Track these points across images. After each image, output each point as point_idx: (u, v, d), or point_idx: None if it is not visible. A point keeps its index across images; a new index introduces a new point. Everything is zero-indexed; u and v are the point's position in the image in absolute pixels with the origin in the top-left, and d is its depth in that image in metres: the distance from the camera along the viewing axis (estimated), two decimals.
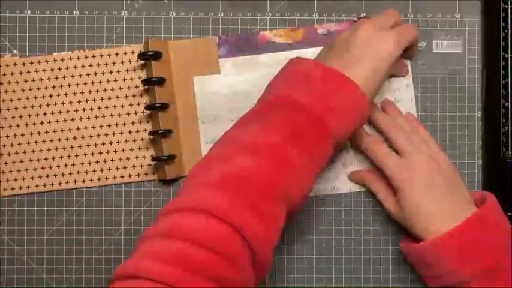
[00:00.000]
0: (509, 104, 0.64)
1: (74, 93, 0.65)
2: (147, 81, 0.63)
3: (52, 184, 0.64)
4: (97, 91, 0.65)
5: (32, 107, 0.65)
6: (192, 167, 0.52)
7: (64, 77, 0.65)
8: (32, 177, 0.64)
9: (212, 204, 0.47)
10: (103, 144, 0.64)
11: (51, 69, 0.65)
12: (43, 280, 0.64)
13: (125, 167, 0.64)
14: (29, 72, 0.65)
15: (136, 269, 0.45)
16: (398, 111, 0.64)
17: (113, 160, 0.64)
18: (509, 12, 0.64)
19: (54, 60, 0.65)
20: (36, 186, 0.64)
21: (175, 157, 0.63)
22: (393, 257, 0.64)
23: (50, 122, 0.64)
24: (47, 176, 0.64)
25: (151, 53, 0.62)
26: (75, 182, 0.64)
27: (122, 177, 0.64)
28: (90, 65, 0.65)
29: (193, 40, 0.65)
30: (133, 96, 0.65)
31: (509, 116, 0.64)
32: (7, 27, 0.65)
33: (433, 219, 0.57)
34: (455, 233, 0.56)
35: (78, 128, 0.64)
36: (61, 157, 0.64)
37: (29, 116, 0.65)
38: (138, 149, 0.64)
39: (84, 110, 0.65)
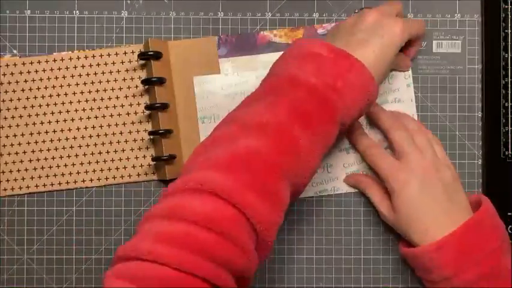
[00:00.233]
0: (509, 104, 0.64)
1: (74, 93, 0.65)
2: (147, 81, 0.63)
3: (52, 184, 0.64)
4: (97, 91, 0.65)
5: (32, 107, 0.65)
6: (196, 147, 0.52)
7: (64, 77, 0.65)
8: (32, 177, 0.64)
9: (217, 185, 0.47)
10: (103, 144, 0.64)
11: (51, 69, 0.65)
12: (43, 280, 0.64)
13: (124, 167, 0.64)
14: (29, 72, 0.65)
15: (138, 251, 0.44)
16: (404, 113, 0.64)
17: (112, 160, 0.64)
18: (509, 12, 0.64)
19: (54, 60, 0.65)
20: (36, 186, 0.64)
21: (175, 157, 0.63)
22: (393, 257, 0.64)
23: (50, 122, 0.64)
24: (47, 176, 0.64)
25: (151, 53, 0.62)
26: (75, 182, 0.64)
27: (122, 177, 0.64)
28: (90, 65, 0.65)
29: (193, 40, 0.65)
30: (133, 96, 0.65)
31: (509, 116, 0.64)
32: (7, 27, 0.65)
33: (428, 224, 0.57)
34: (451, 239, 0.55)
35: (78, 128, 0.64)
36: (61, 157, 0.64)
37: (29, 116, 0.65)
38: (138, 149, 0.65)
39: (84, 110, 0.65)
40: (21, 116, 0.65)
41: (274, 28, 0.65)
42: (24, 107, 0.65)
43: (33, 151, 0.64)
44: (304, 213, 0.65)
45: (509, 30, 0.64)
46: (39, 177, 0.64)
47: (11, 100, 0.65)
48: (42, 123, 0.64)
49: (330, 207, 0.65)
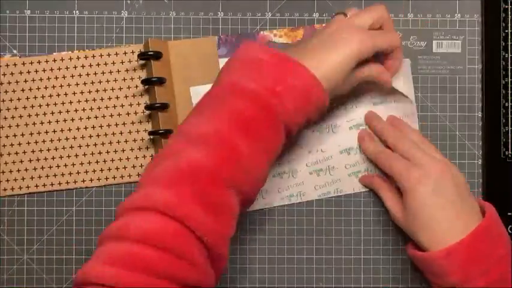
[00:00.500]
0: (509, 104, 0.64)
1: (74, 93, 0.65)
2: (147, 81, 0.63)
3: (52, 184, 0.64)
4: (97, 91, 0.65)
5: (32, 107, 0.65)
6: (148, 162, 0.53)
7: (64, 77, 0.65)
8: (32, 177, 0.64)
9: (158, 201, 0.47)
10: (103, 144, 0.64)
11: (51, 69, 0.65)
12: (43, 280, 0.64)
13: (124, 167, 0.64)
14: (29, 72, 0.65)
15: (89, 275, 0.46)
16: (406, 124, 0.63)
17: (112, 160, 0.64)
18: (509, 12, 0.64)
19: (54, 60, 0.65)
20: (36, 186, 0.64)
21: None
22: (393, 257, 0.64)
23: (50, 122, 0.64)
24: (47, 176, 0.64)
25: (151, 53, 0.62)
26: (75, 182, 0.64)
27: (121, 177, 0.64)
28: (90, 65, 0.65)
29: (193, 40, 0.65)
30: (133, 96, 0.65)
31: (509, 116, 0.64)
32: (7, 27, 0.65)
33: (439, 227, 0.56)
34: (460, 246, 0.55)
35: (78, 128, 0.64)
36: (61, 157, 0.64)
37: (29, 116, 0.65)
38: (138, 149, 0.64)
39: (84, 110, 0.65)
40: (21, 116, 0.65)
41: (274, 28, 0.65)
42: (24, 107, 0.65)
43: (33, 151, 0.64)
44: (304, 213, 0.65)
45: (509, 30, 0.64)
46: (39, 177, 0.64)
47: (11, 100, 0.65)
48: (42, 123, 0.64)
49: (330, 207, 0.65)
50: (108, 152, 0.64)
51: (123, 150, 0.64)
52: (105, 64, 0.65)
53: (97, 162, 0.64)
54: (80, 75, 0.65)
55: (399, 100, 0.64)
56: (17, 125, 0.65)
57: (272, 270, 0.64)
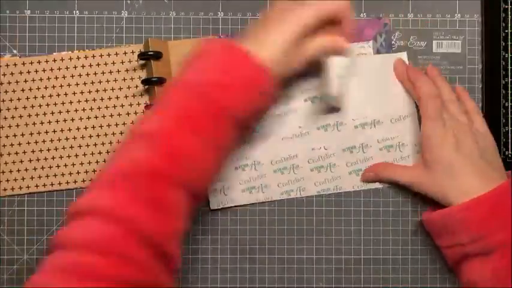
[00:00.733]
0: (509, 104, 0.64)
1: (74, 93, 0.65)
2: (147, 81, 0.63)
3: (52, 184, 0.64)
4: (97, 91, 0.65)
5: (32, 107, 0.65)
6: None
7: (64, 77, 0.65)
8: (32, 177, 0.64)
9: (99, 204, 0.47)
10: (103, 144, 0.64)
11: (51, 69, 0.65)
12: None
13: None
14: (29, 72, 0.65)
15: (38, 285, 0.45)
16: (443, 80, 0.63)
17: None
18: (509, 12, 0.64)
19: (54, 60, 0.65)
20: (36, 186, 0.64)
21: None
22: (393, 257, 0.64)
23: (50, 122, 0.64)
24: (47, 176, 0.64)
25: (151, 53, 0.62)
26: (75, 182, 0.64)
27: None
28: (90, 65, 0.65)
29: (193, 40, 0.65)
30: (133, 96, 0.65)
31: (509, 116, 0.64)
32: (7, 27, 0.65)
33: (462, 182, 0.57)
34: (483, 199, 0.55)
35: (78, 128, 0.64)
36: (61, 157, 0.64)
37: (29, 116, 0.65)
38: None
39: (84, 110, 0.65)
40: (21, 116, 0.65)
41: None
42: (24, 107, 0.65)
43: (33, 151, 0.64)
44: (304, 213, 0.65)
45: (509, 30, 0.64)
46: (39, 177, 0.64)
47: (11, 100, 0.65)
48: (42, 123, 0.64)
49: (330, 207, 0.65)
50: (108, 152, 0.64)
51: None
52: (105, 64, 0.65)
53: (97, 162, 0.64)
54: (80, 75, 0.65)
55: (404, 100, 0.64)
56: (17, 125, 0.65)
57: (272, 270, 0.64)
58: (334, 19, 0.56)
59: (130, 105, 0.65)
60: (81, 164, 0.64)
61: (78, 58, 0.65)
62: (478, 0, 0.66)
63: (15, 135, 0.64)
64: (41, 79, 0.65)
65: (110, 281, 0.45)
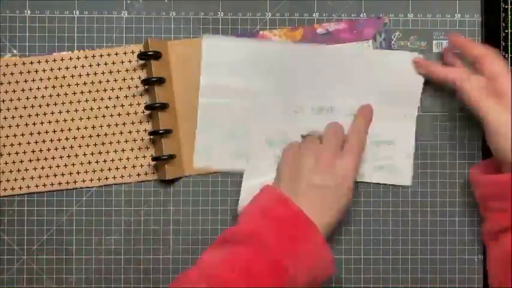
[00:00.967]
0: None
1: (74, 93, 0.65)
2: (147, 81, 0.63)
3: (52, 184, 0.64)
4: (97, 91, 0.65)
5: (32, 107, 0.65)
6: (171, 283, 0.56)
7: (64, 77, 0.65)
8: (32, 177, 0.64)
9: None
10: (103, 144, 0.64)
11: (51, 69, 0.65)
12: (43, 280, 0.64)
13: (124, 167, 0.64)
14: (29, 72, 0.65)
15: None
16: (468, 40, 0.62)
17: (112, 160, 0.64)
18: (509, 12, 0.64)
19: (54, 60, 0.65)
20: (36, 186, 0.64)
21: (175, 157, 0.63)
22: (393, 257, 0.64)
23: (50, 122, 0.64)
24: (47, 176, 0.64)
25: (151, 53, 0.62)
26: (75, 182, 0.64)
27: (122, 177, 0.64)
28: (90, 65, 0.65)
29: (193, 40, 0.65)
30: (133, 96, 0.65)
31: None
32: (7, 27, 0.65)
33: None
34: None
35: (78, 128, 0.64)
36: (61, 157, 0.64)
37: (29, 116, 0.65)
38: (138, 149, 0.64)
39: (84, 110, 0.65)
40: (21, 116, 0.65)
41: (274, 28, 0.65)
42: (24, 107, 0.65)
43: (33, 151, 0.64)
44: None
45: (509, 30, 0.64)
46: (39, 177, 0.64)
47: (11, 100, 0.65)
48: (42, 123, 0.64)
49: None
50: (108, 152, 0.64)
51: (123, 150, 0.64)
52: (105, 64, 0.65)
53: (97, 162, 0.64)
54: (80, 75, 0.65)
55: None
56: (17, 125, 0.65)
57: None
58: None
59: (130, 105, 0.65)
60: (81, 164, 0.64)
61: (78, 58, 0.65)
62: (478, 0, 0.66)
63: (15, 135, 0.64)
64: (41, 79, 0.65)
65: None
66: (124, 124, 0.65)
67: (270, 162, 0.63)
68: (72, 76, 0.65)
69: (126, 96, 0.65)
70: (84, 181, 0.64)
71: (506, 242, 0.56)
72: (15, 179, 0.64)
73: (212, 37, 0.64)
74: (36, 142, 0.64)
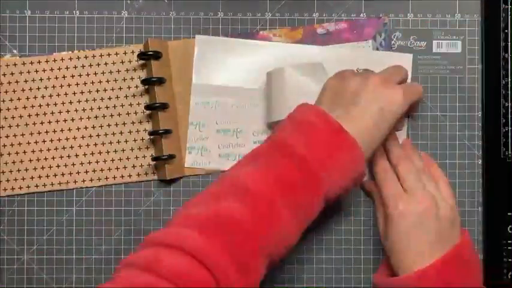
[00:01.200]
0: (509, 104, 0.64)
1: (74, 93, 0.65)
2: (147, 81, 0.63)
3: (52, 184, 0.64)
4: (97, 91, 0.65)
5: (32, 107, 0.65)
6: (186, 201, 0.53)
7: (64, 77, 0.65)
8: (32, 177, 0.64)
9: (190, 244, 0.47)
10: (103, 144, 0.64)
11: (51, 69, 0.65)
12: (43, 280, 0.64)
13: (124, 167, 0.64)
14: (29, 72, 0.65)
15: None
16: (413, 148, 0.63)
17: (112, 160, 0.64)
18: (509, 12, 0.64)
19: (54, 60, 0.65)
20: (36, 186, 0.64)
21: (175, 157, 0.63)
22: None
23: (50, 122, 0.64)
24: (47, 176, 0.64)
25: (151, 53, 0.62)
26: (75, 182, 0.64)
27: (122, 177, 0.64)
28: (90, 65, 0.65)
29: (193, 40, 0.65)
30: (133, 96, 0.65)
31: (509, 116, 0.64)
32: (7, 27, 0.65)
33: (412, 259, 0.56)
34: (430, 269, 0.55)
35: (78, 128, 0.64)
36: (61, 157, 0.64)
37: (29, 116, 0.65)
38: (138, 149, 0.64)
39: (84, 110, 0.65)
40: (21, 116, 0.65)
41: (274, 28, 0.65)
42: (24, 107, 0.65)
43: (33, 151, 0.64)
44: None
45: (509, 30, 0.64)
46: (39, 177, 0.64)
47: (11, 100, 0.65)
48: (42, 123, 0.64)
49: (329, 207, 0.64)
50: (108, 152, 0.64)
51: (123, 150, 0.64)
52: (105, 64, 0.65)
53: (97, 162, 0.64)
54: (80, 75, 0.65)
55: None
56: (17, 125, 0.65)
57: (272, 270, 0.64)
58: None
59: (131, 105, 0.65)
60: (81, 164, 0.64)
61: (78, 58, 0.65)
62: (478, 0, 0.66)
63: (15, 135, 0.64)
64: (41, 79, 0.65)
65: None
66: (124, 124, 0.65)
67: None
68: (72, 76, 0.65)
69: (126, 96, 0.65)
70: (84, 181, 0.64)
71: None
72: (15, 179, 0.64)
73: (204, 37, 0.64)
74: (36, 142, 0.64)
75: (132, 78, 0.65)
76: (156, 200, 0.65)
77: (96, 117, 0.65)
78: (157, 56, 0.63)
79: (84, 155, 0.64)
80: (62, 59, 0.65)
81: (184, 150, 0.64)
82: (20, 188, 0.64)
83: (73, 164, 0.64)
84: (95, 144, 0.64)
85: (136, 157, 0.64)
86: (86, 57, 0.65)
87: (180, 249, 0.47)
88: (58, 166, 0.64)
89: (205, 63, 0.64)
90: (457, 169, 0.64)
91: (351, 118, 0.55)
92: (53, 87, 0.65)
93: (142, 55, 0.63)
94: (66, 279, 0.64)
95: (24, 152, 0.64)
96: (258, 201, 0.50)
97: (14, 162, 0.64)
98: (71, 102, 0.65)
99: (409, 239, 0.57)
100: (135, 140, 0.65)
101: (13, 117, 0.65)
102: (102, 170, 0.64)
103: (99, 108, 0.65)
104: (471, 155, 0.65)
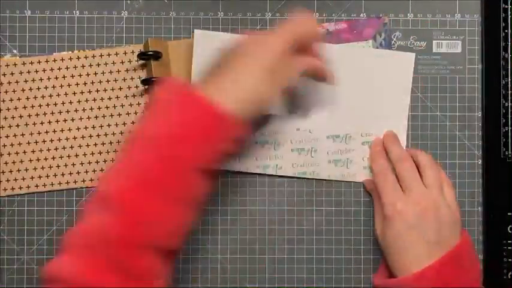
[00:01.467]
0: (509, 104, 0.64)
1: (74, 93, 0.65)
2: (147, 81, 0.63)
3: (52, 184, 0.64)
4: (97, 91, 0.65)
5: (32, 107, 0.65)
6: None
7: (64, 77, 0.65)
8: (32, 177, 0.64)
9: (62, 274, 0.47)
10: (103, 144, 0.64)
11: (51, 69, 0.65)
12: None
13: None
14: (29, 72, 0.65)
15: None
16: (419, 149, 0.63)
17: (112, 160, 0.64)
18: (509, 12, 0.64)
19: (54, 60, 0.65)
20: (36, 186, 0.64)
21: None
22: None
23: (50, 122, 0.65)
24: (47, 176, 0.64)
25: (151, 53, 0.62)
26: (75, 182, 0.64)
27: None
28: (90, 65, 0.65)
29: (193, 40, 0.65)
30: (133, 96, 0.65)
31: (509, 116, 0.64)
32: (7, 27, 0.65)
33: (409, 260, 0.56)
34: (428, 271, 0.55)
35: (78, 128, 0.64)
36: (61, 157, 0.64)
37: (29, 116, 0.65)
38: None
39: (84, 110, 0.65)
40: (21, 116, 0.65)
41: (274, 28, 0.65)
42: (24, 107, 0.65)
43: (33, 151, 0.64)
44: (304, 213, 0.65)
45: (509, 30, 0.64)
46: (39, 177, 0.64)
47: (11, 100, 0.65)
48: (42, 123, 0.64)
49: (330, 207, 0.65)
50: (108, 152, 0.64)
51: None
52: (105, 64, 0.65)
53: (97, 162, 0.64)
54: (80, 75, 0.65)
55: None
56: (17, 125, 0.65)
57: (272, 270, 0.64)
58: (305, 44, 0.55)
59: (131, 105, 0.65)
60: (81, 164, 0.64)
61: (78, 58, 0.65)
62: (478, 0, 0.66)
63: (15, 135, 0.64)
64: (41, 79, 0.65)
65: None
66: (124, 124, 0.65)
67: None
68: (72, 76, 0.65)
69: (126, 96, 0.65)
70: (84, 181, 0.64)
71: None
72: (15, 179, 0.64)
73: (203, 32, 0.64)
74: (36, 142, 0.64)
75: (132, 78, 0.65)
76: None
77: (96, 117, 0.65)
78: (157, 56, 0.63)
79: (84, 155, 0.64)
80: (62, 59, 0.65)
81: None
82: (20, 188, 0.64)
83: (73, 164, 0.64)
84: (95, 144, 0.64)
85: None
86: (86, 57, 0.65)
87: (54, 281, 0.47)
88: (58, 166, 0.64)
89: (205, 60, 0.64)
90: (457, 169, 0.64)
91: (218, 79, 0.51)
92: (53, 87, 0.65)
93: (142, 55, 0.63)
94: None
95: (24, 152, 0.64)
96: (119, 206, 0.48)
97: (14, 162, 0.64)
98: (71, 102, 0.65)
99: (406, 239, 0.57)
100: None
101: (13, 117, 0.65)
102: (102, 170, 0.64)
103: (99, 108, 0.65)
104: (471, 155, 0.65)
